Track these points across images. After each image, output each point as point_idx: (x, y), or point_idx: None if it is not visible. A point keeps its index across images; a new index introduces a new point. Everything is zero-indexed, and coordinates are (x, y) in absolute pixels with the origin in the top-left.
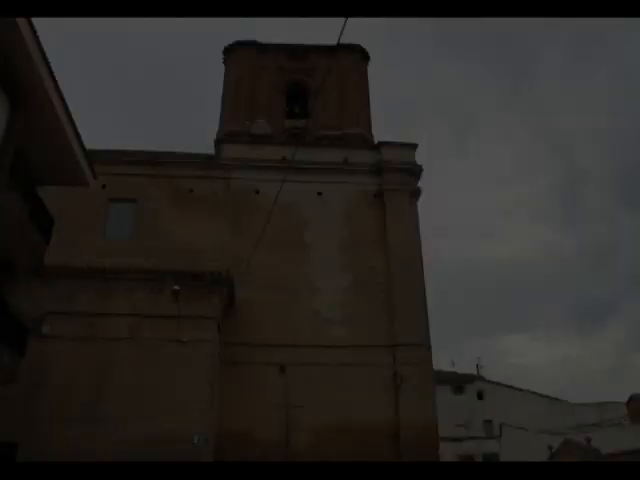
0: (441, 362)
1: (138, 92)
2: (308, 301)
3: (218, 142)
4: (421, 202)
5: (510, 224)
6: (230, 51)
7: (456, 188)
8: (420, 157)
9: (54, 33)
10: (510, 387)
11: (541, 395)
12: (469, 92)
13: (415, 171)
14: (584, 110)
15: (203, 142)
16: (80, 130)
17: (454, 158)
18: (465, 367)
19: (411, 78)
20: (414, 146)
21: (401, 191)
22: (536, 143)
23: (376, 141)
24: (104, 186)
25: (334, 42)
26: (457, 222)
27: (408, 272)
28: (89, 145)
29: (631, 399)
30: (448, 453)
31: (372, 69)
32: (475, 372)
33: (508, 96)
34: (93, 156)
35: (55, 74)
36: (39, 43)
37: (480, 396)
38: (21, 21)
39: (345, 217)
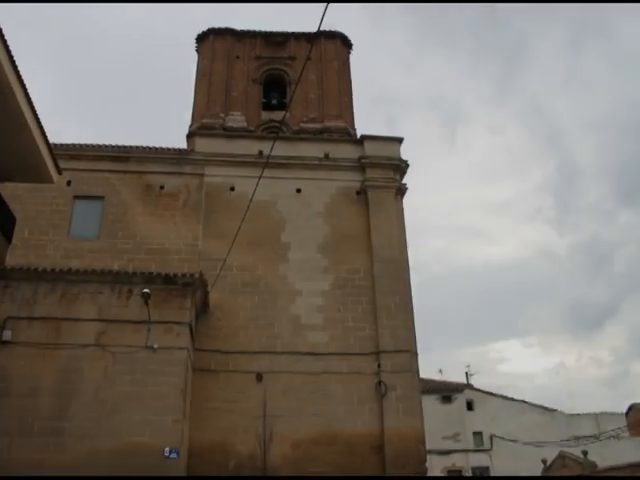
0: (428, 370)
1: (105, 83)
2: (287, 305)
3: (190, 136)
4: (407, 200)
5: (502, 222)
6: (203, 39)
7: (445, 185)
8: (406, 152)
9: (13, 21)
10: (501, 397)
11: (535, 405)
12: (458, 83)
13: (401, 167)
14: (581, 101)
15: (174, 136)
16: (44, 124)
17: (443, 153)
18: (454, 375)
19: (396, 69)
20: (400, 140)
21: (386, 188)
22: (529, 136)
23: (359, 135)
24: (69, 182)
25: (314, 29)
26: (446, 221)
27: (393, 274)
28: (53, 139)
29: (631, 409)
30: (436, 466)
31: (355, 60)
32: (464, 381)
33: (500, 87)
34: (58, 151)
35: (18, 65)
36: (0, 31)
37: (470, 406)
38: None
39: (326, 215)
